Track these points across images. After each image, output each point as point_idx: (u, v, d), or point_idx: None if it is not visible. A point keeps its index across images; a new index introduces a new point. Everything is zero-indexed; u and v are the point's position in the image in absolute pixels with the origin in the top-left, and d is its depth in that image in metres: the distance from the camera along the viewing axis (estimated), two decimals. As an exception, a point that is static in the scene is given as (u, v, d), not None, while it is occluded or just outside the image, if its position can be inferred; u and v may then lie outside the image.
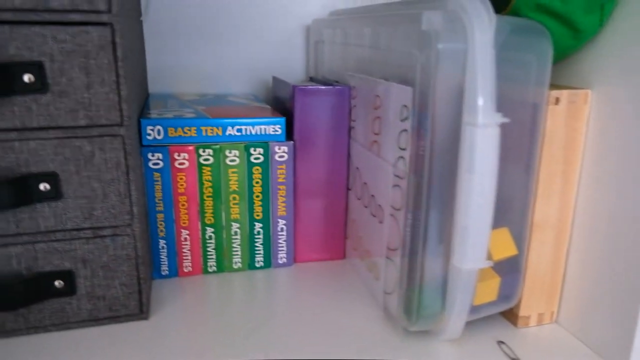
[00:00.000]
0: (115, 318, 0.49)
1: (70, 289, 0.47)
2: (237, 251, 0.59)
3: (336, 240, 0.63)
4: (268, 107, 0.65)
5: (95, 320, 0.49)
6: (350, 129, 0.59)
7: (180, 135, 0.55)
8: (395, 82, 0.48)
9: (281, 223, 0.60)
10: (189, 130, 0.55)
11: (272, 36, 0.77)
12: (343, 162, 0.60)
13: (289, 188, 0.59)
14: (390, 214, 0.49)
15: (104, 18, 0.42)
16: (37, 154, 0.43)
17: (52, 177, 0.44)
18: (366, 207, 0.55)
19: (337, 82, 0.63)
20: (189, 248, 0.58)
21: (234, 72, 0.77)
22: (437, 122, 0.41)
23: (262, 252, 0.60)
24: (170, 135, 0.54)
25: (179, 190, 0.56)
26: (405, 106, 0.44)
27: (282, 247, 0.61)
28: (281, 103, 0.66)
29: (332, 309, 0.53)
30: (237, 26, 0.75)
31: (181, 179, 0.55)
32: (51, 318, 0.48)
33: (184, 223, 0.57)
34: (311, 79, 0.71)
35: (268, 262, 0.61)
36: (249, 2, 0.75)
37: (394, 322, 0.50)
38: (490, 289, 0.47)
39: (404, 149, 0.45)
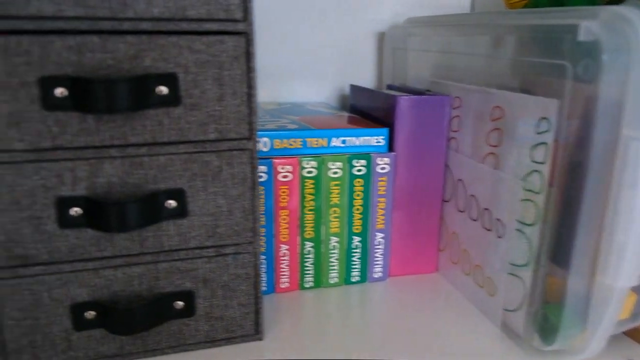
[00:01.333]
0: (230, 339, 0.47)
1: (189, 310, 0.45)
2: (334, 266, 0.57)
3: (429, 253, 0.61)
4: (356, 116, 0.63)
5: (211, 341, 0.47)
6: (449, 139, 0.57)
7: (285, 147, 0.53)
8: (516, 92, 0.46)
9: (379, 236, 0.58)
10: (295, 141, 0.53)
11: (340, 44, 0.75)
12: (440, 173, 0.58)
13: (388, 200, 0.57)
14: (517, 229, 0.47)
15: (240, 27, 0.40)
16: (166, 169, 0.41)
17: (179, 194, 0.42)
18: (475, 220, 0.54)
19: (428, 90, 0.61)
20: (287, 263, 0.56)
21: (300, 79, 0.75)
22: (592, 136, 0.39)
23: (359, 266, 0.58)
24: (275, 147, 0.52)
25: (281, 204, 0.54)
26: (545, 118, 0.43)
27: (379, 261, 0.59)
28: (361, 112, 0.65)
29: (443, 325, 0.51)
30: (303, 34, 0.74)
31: (284, 192, 0.53)
32: (169, 340, 0.45)
33: (284, 238, 0.55)
34: (389, 87, 0.70)
35: (364, 277, 0.59)
36: (316, 10, 0.73)
37: (519, 341, 0.48)
38: (626, 307, 0.45)
39: (540, 163, 0.44)
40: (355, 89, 0.68)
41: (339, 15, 0.74)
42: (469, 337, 0.49)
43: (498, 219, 0.50)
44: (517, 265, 0.47)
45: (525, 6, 0.61)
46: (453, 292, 0.58)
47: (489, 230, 0.51)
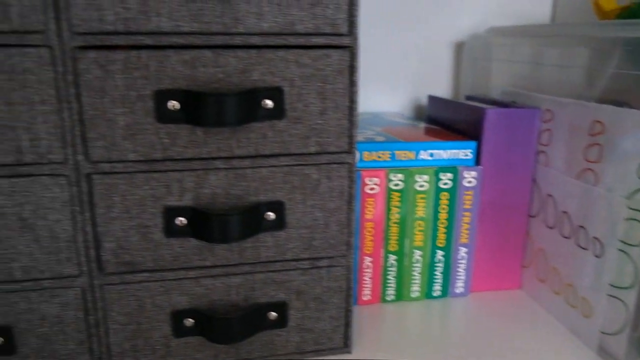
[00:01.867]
0: (319, 352, 0.47)
1: (282, 321, 0.45)
2: (416, 279, 0.57)
3: (513, 269, 0.60)
4: (437, 128, 0.63)
5: (300, 353, 0.47)
6: (537, 153, 0.56)
7: (374, 160, 0.52)
8: (615, 105, 0.44)
9: (462, 251, 0.57)
10: (383, 154, 0.52)
11: (415, 54, 0.75)
12: (527, 188, 0.57)
13: (473, 215, 0.56)
14: (620, 249, 0.45)
15: (345, 41, 0.40)
16: (267, 182, 0.42)
17: (278, 206, 0.42)
18: (567, 237, 0.52)
19: (514, 102, 0.60)
20: (370, 276, 0.55)
21: (375, 89, 0.75)
22: None
23: (440, 280, 0.57)
24: (364, 159, 0.52)
25: (367, 217, 0.53)
26: (658, 136, 0.41)
27: (461, 275, 0.58)
28: (441, 123, 0.64)
29: (532, 345, 0.49)
30: (378, 43, 0.73)
31: (370, 204, 0.53)
32: (261, 350, 0.46)
33: (368, 250, 0.55)
34: (468, 98, 0.69)
35: (445, 292, 0.58)
36: (392, 20, 0.73)
37: (618, 365, 0.46)
38: None
39: (650, 181, 0.42)
40: (434, 99, 0.68)
41: (414, 24, 0.73)
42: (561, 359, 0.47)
43: (595, 238, 0.48)
44: (619, 287, 0.45)
45: (620, 16, 0.59)
46: (539, 310, 0.56)
47: (584, 248, 0.50)
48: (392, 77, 0.75)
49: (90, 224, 0.40)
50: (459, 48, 0.75)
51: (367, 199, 0.53)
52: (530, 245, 0.58)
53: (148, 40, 0.37)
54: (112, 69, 0.37)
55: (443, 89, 0.77)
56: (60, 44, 0.36)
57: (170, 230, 0.41)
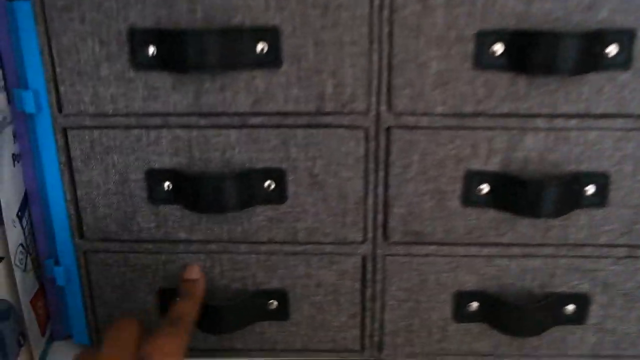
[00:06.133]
0: (619, 357, 0.39)
1: (580, 317, 0.38)
2: None
3: None
4: None
5: (595, 357, 0.39)
6: None
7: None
8: None
9: None
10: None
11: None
12: None
13: None
14: None
15: None
16: (593, 148, 0.34)
17: (602, 179, 0.34)
18: None
19: None
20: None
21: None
22: None
23: None
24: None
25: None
26: None
27: None
28: None
29: None
30: None
31: None
32: (548, 347, 0.39)
33: None
34: None
35: None
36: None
37: None
38: None
39: None
40: None
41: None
42: None
43: None
44: None
45: None
46: None
47: None
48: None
49: (382, 184, 0.35)
50: None
51: None
52: None
53: (480, -32, 0.31)
54: (433, 3, 0.31)
55: None
56: (381, -27, 0.31)
57: (469, 199, 0.35)
